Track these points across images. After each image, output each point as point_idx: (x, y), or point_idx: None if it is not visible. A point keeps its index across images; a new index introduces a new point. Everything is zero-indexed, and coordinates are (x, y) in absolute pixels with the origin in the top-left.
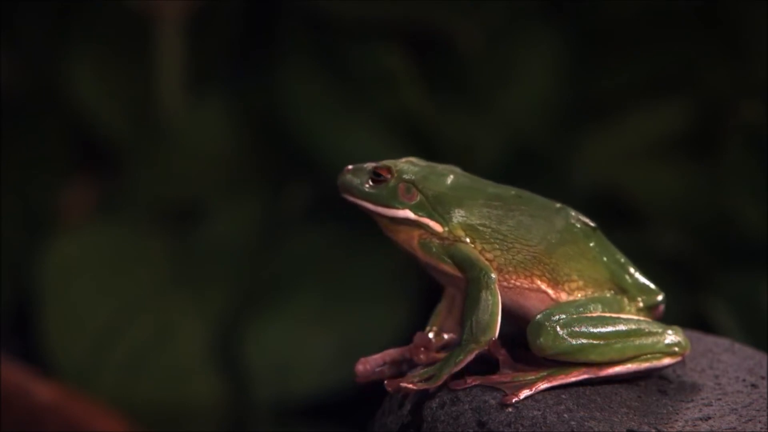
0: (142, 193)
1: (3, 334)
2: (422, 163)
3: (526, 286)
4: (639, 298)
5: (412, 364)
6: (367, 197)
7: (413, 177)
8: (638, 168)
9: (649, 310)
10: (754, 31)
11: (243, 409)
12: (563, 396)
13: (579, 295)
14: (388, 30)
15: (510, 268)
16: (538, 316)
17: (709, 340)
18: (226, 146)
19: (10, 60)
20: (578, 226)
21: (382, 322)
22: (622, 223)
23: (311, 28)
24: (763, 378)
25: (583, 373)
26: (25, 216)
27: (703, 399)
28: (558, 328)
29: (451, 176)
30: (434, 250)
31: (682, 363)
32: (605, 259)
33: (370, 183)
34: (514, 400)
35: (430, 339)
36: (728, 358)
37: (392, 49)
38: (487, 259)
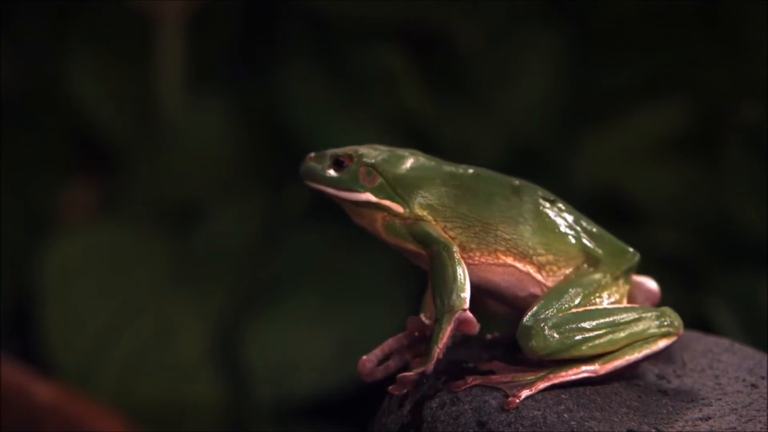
0: (142, 193)
1: (3, 334)
2: (383, 147)
3: (491, 261)
4: (615, 266)
5: (414, 352)
6: (329, 183)
7: (373, 161)
8: (638, 168)
9: (627, 273)
10: (754, 31)
11: (243, 409)
12: (563, 396)
13: (551, 271)
14: (388, 30)
15: (473, 246)
16: (525, 320)
17: (709, 340)
18: (226, 146)
19: (10, 60)
20: (540, 201)
21: (382, 322)
22: (622, 223)
23: (311, 28)
24: (763, 378)
25: (583, 371)
26: (25, 216)
27: (703, 399)
28: (547, 330)
29: (411, 158)
30: (397, 230)
31: (682, 363)
32: (573, 230)
33: (332, 169)
34: (515, 404)
35: (423, 322)
36: (728, 358)
37: (392, 49)
38: (450, 237)
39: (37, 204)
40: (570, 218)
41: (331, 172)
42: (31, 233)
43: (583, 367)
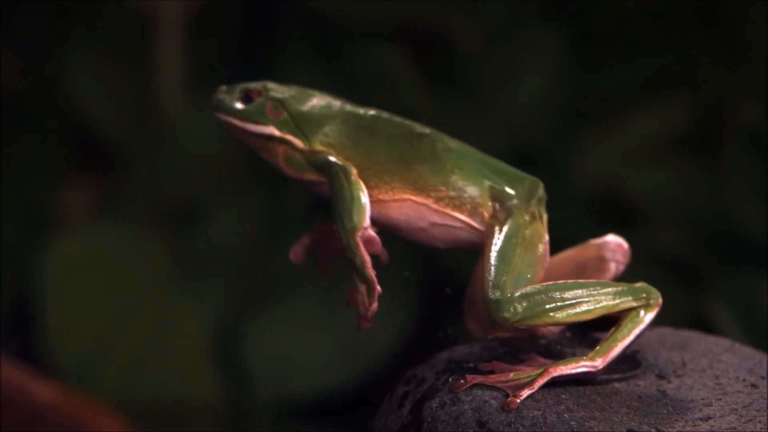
0: (142, 193)
1: (3, 334)
2: (295, 87)
3: (389, 198)
4: (525, 200)
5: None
6: (236, 114)
7: (280, 96)
8: (638, 168)
9: (539, 204)
10: (754, 31)
11: (243, 409)
12: (563, 396)
13: (454, 205)
14: (388, 30)
15: (371, 184)
16: (490, 295)
17: (709, 340)
18: (226, 146)
19: (10, 60)
20: (441, 143)
21: (382, 322)
22: (622, 223)
23: (311, 28)
24: (763, 378)
25: (582, 365)
26: (25, 216)
27: (703, 399)
28: (515, 298)
29: (318, 98)
30: (297, 162)
31: (682, 363)
32: (475, 169)
33: (241, 102)
34: (515, 404)
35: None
36: (728, 358)
37: (392, 49)
38: None
39: (37, 204)
40: (473, 159)
41: (239, 105)
42: (31, 233)
43: (582, 362)
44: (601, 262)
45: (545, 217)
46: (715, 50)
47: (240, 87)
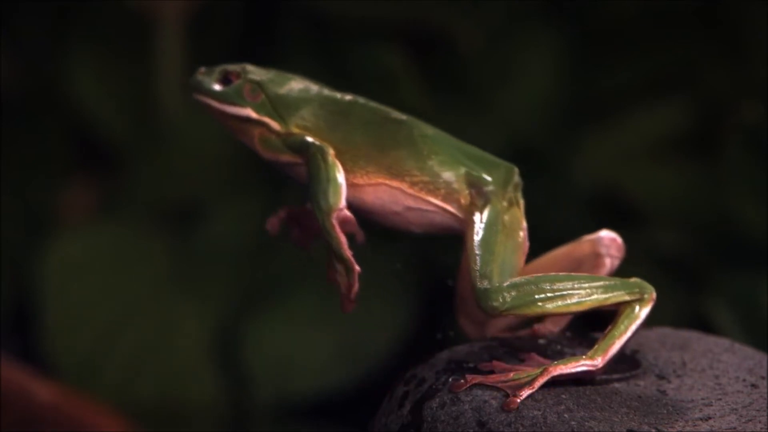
0: (142, 193)
1: (3, 334)
2: (274, 70)
3: (364, 182)
4: (501, 186)
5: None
6: (214, 96)
7: (259, 78)
8: (638, 168)
9: (515, 190)
10: (754, 31)
11: (243, 409)
12: (563, 396)
13: (428, 190)
14: (388, 30)
15: (347, 167)
16: (479, 284)
17: (709, 340)
18: (226, 146)
19: (10, 60)
20: (417, 130)
21: (382, 322)
22: (622, 223)
23: (311, 28)
24: (763, 378)
25: (582, 364)
26: (25, 216)
27: (703, 399)
28: (504, 288)
29: (296, 82)
30: (273, 144)
31: (682, 363)
32: (452, 156)
33: (219, 83)
34: (515, 404)
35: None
36: (728, 358)
37: (392, 49)
38: None
39: (37, 204)
40: (449, 145)
41: (217, 86)
42: (31, 233)
43: (582, 361)
44: (596, 258)
45: (522, 203)
46: (715, 50)
47: (219, 69)
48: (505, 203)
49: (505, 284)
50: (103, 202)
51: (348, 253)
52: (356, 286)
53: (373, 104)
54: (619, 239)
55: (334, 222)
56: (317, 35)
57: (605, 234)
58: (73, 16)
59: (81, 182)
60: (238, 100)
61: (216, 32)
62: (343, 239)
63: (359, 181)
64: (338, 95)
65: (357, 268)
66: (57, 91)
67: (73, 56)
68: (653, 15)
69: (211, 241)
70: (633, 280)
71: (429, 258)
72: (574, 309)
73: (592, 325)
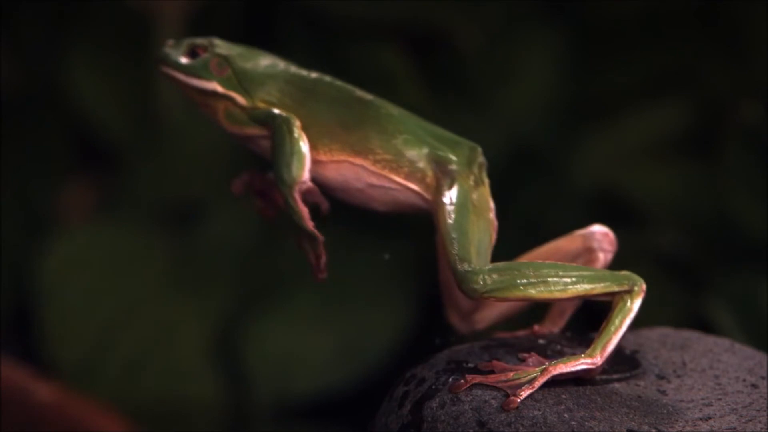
0: (141, 193)
1: (3, 334)
2: (242, 46)
3: (327, 159)
4: (467, 165)
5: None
6: (180, 68)
7: (226, 53)
8: (638, 168)
9: (480, 169)
10: (754, 31)
11: (243, 409)
12: (563, 396)
13: (392, 168)
14: (388, 30)
15: (311, 144)
16: (459, 268)
17: (709, 340)
18: (226, 146)
19: (10, 60)
20: (384, 109)
21: (382, 322)
22: (622, 223)
23: (311, 28)
24: (763, 378)
25: (582, 363)
26: (25, 216)
27: (703, 399)
28: (484, 271)
29: (264, 57)
30: (238, 118)
31: (682, 363)
32: (416, 135)
33: (186, 57)
34: (515, 404)
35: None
36: (728, 358)
37: (392, 49)
38: None
39: (37, 204)
40: (414, 124)
41: (184, 59)
42: (31, 233)
43: (582, 359)
44: (589, 253)
45: (487, 182)
46: (715, 50)
47: (187, 42)
48: (471, 182)
49: (486, 267)
50: (103, 202)
51: (310, 224)
52: (324, 256)
53: (339, 83)
54: (611, 233)
55: (296, 195)
56: (317, 35)
57: (597, 228)
58: (73, 16)
59: (81, 182)
60: (205, 74)
61: (216, 32)
62: (305, 212)
63: (322, 157)
64: (305, 72)
65: (321, 237)
66: (57, 91)
67: (73, 56)
68: (653, 15)
69: (211, 241)
70: (623, 272)
71: (429, 258)
72: (558, 296)
73: (591, 325)
